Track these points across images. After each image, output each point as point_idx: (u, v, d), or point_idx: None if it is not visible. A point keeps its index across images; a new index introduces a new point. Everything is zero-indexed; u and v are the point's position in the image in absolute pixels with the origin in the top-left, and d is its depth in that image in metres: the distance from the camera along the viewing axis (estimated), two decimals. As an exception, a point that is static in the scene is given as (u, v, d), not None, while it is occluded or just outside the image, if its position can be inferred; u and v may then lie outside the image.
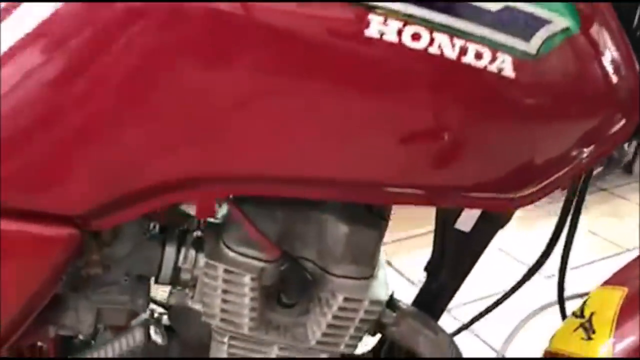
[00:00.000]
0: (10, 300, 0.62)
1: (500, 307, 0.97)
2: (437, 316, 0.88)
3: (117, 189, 0.59)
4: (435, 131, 0.58)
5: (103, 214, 0.60)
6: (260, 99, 0.56)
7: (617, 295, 0.77)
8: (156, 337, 0.74)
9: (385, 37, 0.53)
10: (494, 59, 0.55)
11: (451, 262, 0.86)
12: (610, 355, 0.73)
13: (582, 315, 0.79)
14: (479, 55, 0.55)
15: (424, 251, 0.91)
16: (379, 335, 0.84)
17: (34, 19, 0.52)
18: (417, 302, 0.89)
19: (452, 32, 0.54)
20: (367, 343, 0.87)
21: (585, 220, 0.89)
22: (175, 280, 0.75)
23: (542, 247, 0.89)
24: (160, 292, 0.85)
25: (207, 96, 0.55)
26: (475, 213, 0.79)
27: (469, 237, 0.81)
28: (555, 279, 0.91)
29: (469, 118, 0.59)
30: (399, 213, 0.76)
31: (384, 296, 0.74)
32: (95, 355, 0.75)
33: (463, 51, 0.54)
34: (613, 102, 0.62)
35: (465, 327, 1.03)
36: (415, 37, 0.53)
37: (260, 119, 0.56)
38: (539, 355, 0.82)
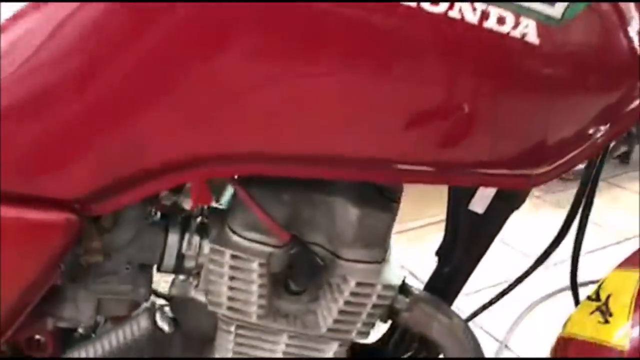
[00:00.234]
0: (6, 288, 0.60)
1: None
2: (450, 301, 0.86)
3: (116, 171, 0.57)
4: (450, 103, 0.56)
5: (102, 197, 0.59)
6: (266, 76, 0.54)
7: (634, 277, 0.76)
8: (162, 324, 0.71)
9: (402, 1, 0.50)
10: (517, 24, 0.53)
11: (465, 244, 0.84)
12: (628, 339, 0.71)
13: (598, 299, 0.77)
14: (501, 20, 0.52)
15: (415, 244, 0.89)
16: (389, 323, 0.82)
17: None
18: (428, 286, 0.88)
19: None
20: (377, 331, 0.84)
21: (584, 209, 0.87)
22: (178, 269, 0.73)
23: (538, 237, 0.88)
24: (162, 283, 0.83)
25: (211, 75, 0.53)
26: (490, 193, 0.76)
27: (483, 218, 0.79)
28: (555, 269, 0.90)
29: (487, 88, 0.56)
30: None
31: (396, 280, 0.72)
32: (98, 345, 0.72)
33: (485, 15, 0.52)
34: (636, 75, 0.60)
35: (470, 318, 1.01)
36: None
37: (265, 96, 0.54)
38: (545, 343, 0.80)
